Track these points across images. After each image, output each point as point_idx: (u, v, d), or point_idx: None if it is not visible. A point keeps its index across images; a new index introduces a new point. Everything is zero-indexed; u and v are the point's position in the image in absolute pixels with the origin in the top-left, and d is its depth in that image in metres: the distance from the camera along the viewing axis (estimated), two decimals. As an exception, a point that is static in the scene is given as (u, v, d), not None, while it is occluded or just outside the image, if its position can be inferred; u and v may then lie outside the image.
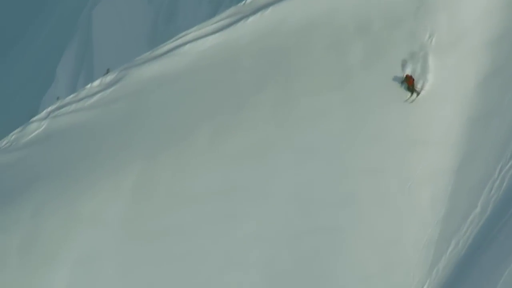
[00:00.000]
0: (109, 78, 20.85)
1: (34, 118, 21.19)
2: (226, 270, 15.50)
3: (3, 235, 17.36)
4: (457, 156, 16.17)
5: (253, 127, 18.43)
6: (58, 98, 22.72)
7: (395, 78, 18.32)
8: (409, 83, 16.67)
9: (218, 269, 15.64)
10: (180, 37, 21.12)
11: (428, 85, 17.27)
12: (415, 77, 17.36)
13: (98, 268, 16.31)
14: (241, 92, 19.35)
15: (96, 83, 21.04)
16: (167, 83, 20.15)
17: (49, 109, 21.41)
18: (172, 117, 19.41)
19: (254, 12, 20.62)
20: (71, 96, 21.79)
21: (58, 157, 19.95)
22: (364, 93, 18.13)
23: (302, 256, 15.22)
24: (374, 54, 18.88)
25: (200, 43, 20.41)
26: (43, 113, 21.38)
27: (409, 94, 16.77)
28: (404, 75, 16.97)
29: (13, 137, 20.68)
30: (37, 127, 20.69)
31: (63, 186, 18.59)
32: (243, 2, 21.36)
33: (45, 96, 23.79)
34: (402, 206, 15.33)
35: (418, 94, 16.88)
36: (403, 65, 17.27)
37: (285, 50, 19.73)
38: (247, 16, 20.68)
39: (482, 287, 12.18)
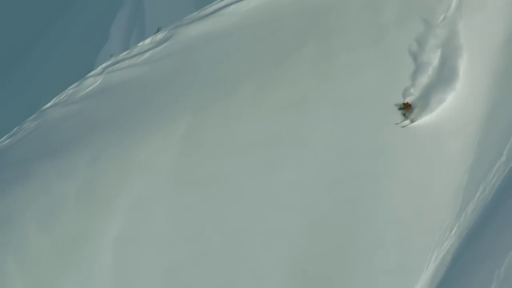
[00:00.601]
0: (159, 36, 21.41)
1: (90, 74, 21.59)
2: (269, 213, 16.11)
3: (62, 181, 17.69)
4: (483, 109, 16.80)
5: (294, 81, 18.91)
6: (112, 55, 23.03)
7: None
8: (406, 109, 16.76)
9: (261, 212, 16.24)
10: (226, -1, 21.73)
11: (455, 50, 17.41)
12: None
13: (151, 212, 16.92)
14: (283, 49, 19.84)
15: (147, 41, 21.56)
16: (213, 41, 20.71)
17: (104, 65, 21.74)
18: (219, 73, 19.93)
19: (295, -26, 20.90)
20: (124, 53, 22.13)
21: (112, 109, 20.43)
22: (397, 51, 18.63)
23: (340, 201, 15.79)
24: (406, 14, 19.20)
25: (244, 4, 20.80)
26: (98, 69, 21.72)
27: (402, 118, 16.78)
28: (403, 102, 16.84)
29: (71, 91, 20.99)
30: (93, 82, 21.08)
31: (118, 136, 18.83)
32: (285, -35, 21.35)
33: (100, 53, 24.46)
34: (433, 156, 16.13)
35: (411, 122, 16.79)
36: (405, 92, 17.30)
37: (324, 9, 20.08)
38: (288, -22, 20.92)
39: (507, 228, 13.23)
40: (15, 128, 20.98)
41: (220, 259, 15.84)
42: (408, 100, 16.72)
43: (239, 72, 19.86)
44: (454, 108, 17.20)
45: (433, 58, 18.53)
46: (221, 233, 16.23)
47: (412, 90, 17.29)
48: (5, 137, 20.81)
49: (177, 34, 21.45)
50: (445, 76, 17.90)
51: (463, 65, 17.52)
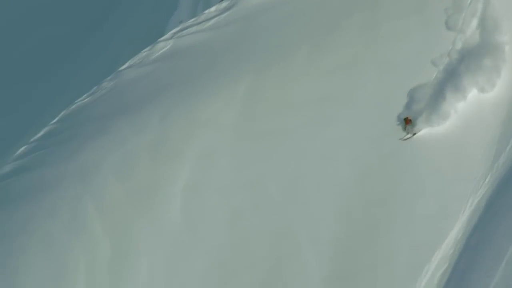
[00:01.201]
0: (223, 4, 22.18)
1: (161, 39, 22.32)
2: (321, 164, 17.13)
3: (136, 136, 18.66)
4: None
5: (343, 46, 19.76)
6: (181, 22, 23.64)
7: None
8: (406, 123, 17.07)
9: (314, 163, 17.26)
10: (283, -29, 21.74)
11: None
12: None
13: (215, 163, 17.80)
14: (334, 17, 20.72)
15: (213, 9, 22.34)
16: (272, 9, 21.48)
17: (174, 31, 22.54)
18: (276, 38, 20.72)
19: None
20: (192, 20, 23.07)
21: (181, 71, 21.15)
22: (437, 18, 19.45)
23: (384, 153, 16.93)
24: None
25: (300, -23, 21.03)
26: (168, 34, 22.50)
27: (404, 133, 17.19)
28: (404, 117, 17.19)
29: (144, 54, 21.78)
30: (163, 46, 21.86)
31: (186, 95, 19.81)
32: None
33: (170, 20, 25.24)
34: (468, 113, 17.03)
35: (413, 134, 17.13)
36: (406, 107, 17.69)
37: (370, -19, 20.57)
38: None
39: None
40: (94, 88, 21.75)
41: (276, 204, 16.78)
42: (409, 115, 17.21)
43: (294, 38, 20.70)
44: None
45: (470, 25, 19.18)
46: (278, 181, 17.13)
47: (415, 104, 17.63)
48: (85, 95, 21.57)
49: (240, 2, 22.18)
50: (483, 42, 18.43)
51: (498, 34, 18.19)
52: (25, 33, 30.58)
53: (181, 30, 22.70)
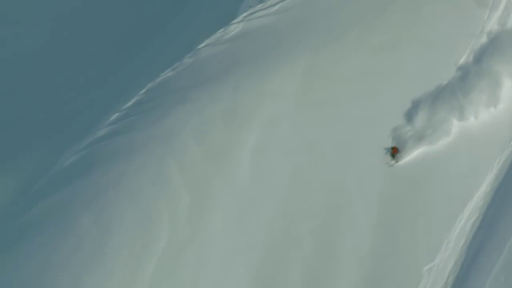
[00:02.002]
0: None
1: (233, 21, 23.95)
2: (369, 129, 18.35)
3: (212, 104, 20.03)
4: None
5: (388, 27, 21.25)
6: (250, 7, 25.02)
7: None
8: (393, 152, 17.70)
9: (363, 128, 18.48)
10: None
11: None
12: None
13: (279, 128, 19.07)
14: (380, 3, 22.23)
15: None
16: None
17: (244, 15, 24.22)
18: (331, 21, 22.26)
19: None
20: (260, 5, 24.54)
21: (250, 49, 22.60)
22: (469, 4, 20.93)
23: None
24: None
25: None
26: (239, 18, 24.12)
27: (390, 159, 17.83)
28: (391, 147, 17.80)
29: (219, 34, 23.45)
30: (235, 28, 23.54)
31: (254, 70, 21.34)
32: None
33: (241, 5, 26.91)
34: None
35: (396, 162, 17.73)
36: (394, 135, 18.38)
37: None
38: None
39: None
40: (176, 63, 23.37)
41: (332, 163, 17.91)
42: (396, 145, 17.93)
43: (347, 21, 22.17)
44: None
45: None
46: (333, 144, 18.25)
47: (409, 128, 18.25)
48: (168, 70, 23.25)
49: (300, -9, 22.89)
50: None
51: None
52: (120, 17, 33.19)
53: (250, 14, 24.22)
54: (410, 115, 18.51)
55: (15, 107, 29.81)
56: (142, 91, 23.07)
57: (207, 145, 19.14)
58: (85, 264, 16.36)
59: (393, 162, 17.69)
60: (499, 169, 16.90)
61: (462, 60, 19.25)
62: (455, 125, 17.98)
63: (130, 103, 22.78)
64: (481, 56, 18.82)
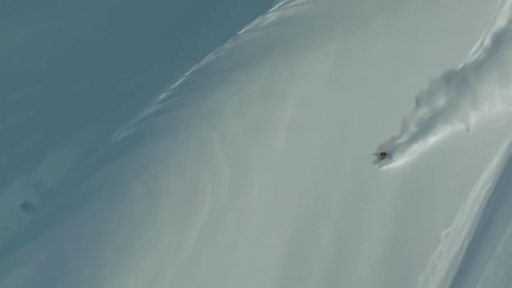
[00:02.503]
0: None
1: (270, 10, 25.05)
2: (394, 106, 19.45)
3: (251, 85, 21.32)
4: None
5: (411, 14, 22.30)
6: None
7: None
8: (382, 157, 18.63)
9: (389, 105, 19.61)
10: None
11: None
12: None
13: (311, 106, 20.19)
14: None
15: None
16: None
17: (280, 4, 25.39)
18: (359, 9, 23.57)
19: None
20: None
21: (285, 34, 23.71)
22: None
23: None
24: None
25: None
26: (275, 7, 25.19)
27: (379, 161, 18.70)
28: (380, 153, 18.68)
29: (257, 21, 24.73)
30: (272, 16, 24.72)
31: (289, 53, 22.14)
32: None
33: None
34: None
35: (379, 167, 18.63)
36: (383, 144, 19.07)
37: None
38: None
39: None
40: (218, 48, 24.79)
41: (359, 138, 19.03)
42: (385, 150, 18.83)
43: (374, 8, 23.25)
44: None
45: None
46: (360, 120, 19.37)
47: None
48: (211, 53, 24.69)
49: (331, -20, 24.05)
50: None
51: None
52: (168, 7, 36.02)
53: (286, 3, 25.42)
54: (428, 96, 19.54)
55: (73, 88, 32.60)
56: (188, 73, 23.88)
57: (246, 121, 20.20)
58: (137, 227, 17.71)
59: (382, 162, 18.45)
60: (510, 143, 17.82)
61: (476, 47, 20.50)
62: (470, 112, 18.79)
63: (176, 84, 23.90)
64: (496, 42, 19.79)
